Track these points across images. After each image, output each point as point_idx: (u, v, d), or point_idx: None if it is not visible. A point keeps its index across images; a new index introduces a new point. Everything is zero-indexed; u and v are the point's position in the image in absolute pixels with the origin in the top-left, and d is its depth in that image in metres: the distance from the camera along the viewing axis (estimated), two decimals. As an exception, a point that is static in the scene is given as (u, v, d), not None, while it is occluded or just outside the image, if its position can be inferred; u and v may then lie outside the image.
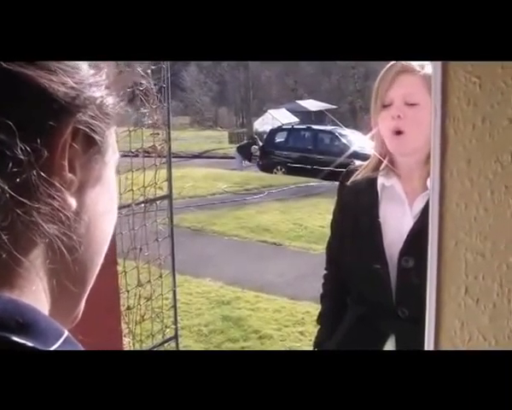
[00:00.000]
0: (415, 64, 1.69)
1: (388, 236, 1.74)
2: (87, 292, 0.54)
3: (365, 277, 1.81)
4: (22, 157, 0.41)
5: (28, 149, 0.41)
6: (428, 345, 0.91)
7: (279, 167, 17.70)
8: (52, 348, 0.42)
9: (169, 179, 3.07)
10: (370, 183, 1.79)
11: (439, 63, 0.86)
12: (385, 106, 1.72)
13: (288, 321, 5.67)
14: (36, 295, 0.45)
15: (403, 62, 1.70)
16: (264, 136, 20.48)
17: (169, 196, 3.08)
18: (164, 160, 3.01)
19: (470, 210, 0.86)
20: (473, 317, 0.87)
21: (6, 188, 0.41)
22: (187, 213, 9.99)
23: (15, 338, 0.40)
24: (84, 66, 0.46)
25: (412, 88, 1.69)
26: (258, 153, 19.13)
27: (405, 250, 1.69)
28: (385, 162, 1.79)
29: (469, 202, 0.86)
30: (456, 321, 0.88)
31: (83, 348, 0.46)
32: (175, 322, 3.34)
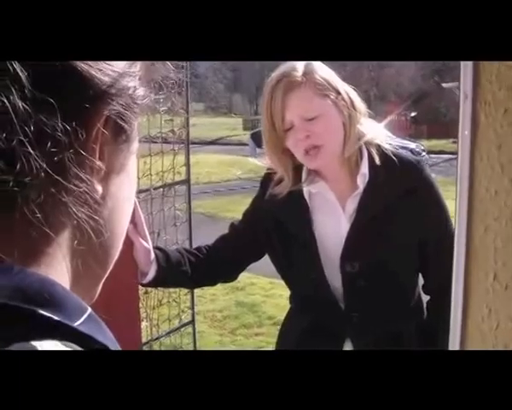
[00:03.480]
0: (298, 76, 1.59)
1: (325, 243, 1.68)
2: (105, 276, 0.55)
3: (304, 286, 1.75)
4: (61, 137, 0.42)
5: (70, 129, 0.42)
6: (455, 331, 0.91)
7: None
8: (76, 324, 0.43)
9: (187, 164, 3.08)
10: (296, 192, 1.70)
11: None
12: (286, 129, 1.61)
13: (303, 308, 5.67)
14: (59, 274, 0.46)
15: (287, 79, 1.58)
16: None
17: (187, 181, 3.09)
18: (182, 145, 3.02)
19: (500, 196, 0.85)
20: (501, 303, 0.86)
21: (44, 166, 0.41)
22: (201, 199, 10.02)
23: (42, 312, 0.41)
24: None
25: (306, 104, 1.59)
26: None
27: (347, 254, 1.64)
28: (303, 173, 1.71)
29: (499, 188, 0.85)
30: (483, 307, 0.88)
31: (105, 326, 0.47)
32: (192, 307, 3.36)
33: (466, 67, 0.88)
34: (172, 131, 2.90)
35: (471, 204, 0.87)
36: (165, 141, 2.93)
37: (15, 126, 0.40)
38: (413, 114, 26.88)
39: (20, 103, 0.40)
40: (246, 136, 23.77)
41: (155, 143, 2.82)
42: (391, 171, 1.62)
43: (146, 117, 0.54)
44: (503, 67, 0.83)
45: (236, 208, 9.83)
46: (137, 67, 0.49)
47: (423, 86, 31.47)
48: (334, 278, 1.68)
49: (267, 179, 1.77)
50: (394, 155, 1.63)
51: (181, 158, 3.12)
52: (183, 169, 3.15)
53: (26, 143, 0.40)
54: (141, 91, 0.49)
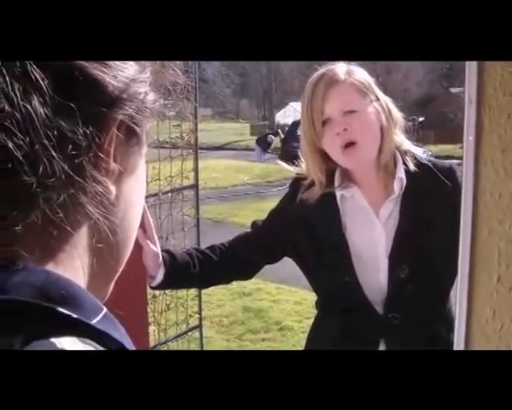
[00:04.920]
0: (340, 73, 1.63)
1: (357, 246, 1.69)
2: (116, 276, 0.57)
3: (335, 290, 1.74)
4: (81, 141, 0.44)
5: (88, 132, 0.45)
6: (459, 333, 0.92)
7: (301, 160, 17.59)
8: (93, 322, 0.45)
9: (195, 169, 3.10)
10: (328, 195, 1.71)
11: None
12: (324, 124, 1.64)
13: (310, 313, 5.65)
14: (75, 272, 0.48)
15: (329, 74, 1.63)
16: (286, 128, 20.45)
17: (195, 186, 3.11)
18: (190, 150, 3.04)
19: (504, 199, 0.86)
20: (505, 305, 0.88)
21: (65, 168, 0.43)
22: (209, 204, 10.03)
23: (62, 309, 0.43)
24: (131, 62, 0.49)
25: (346, 98, 1.62)
26: (277, 143, 19.08)
27: (396, 259, 1.64)
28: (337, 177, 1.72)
29: (503, 191, 0.86)
30: (487, 309, 0.89)
31: (119, 325, 0.48)
32: (199, 311, 3.37)
33: (470, 73, 0.89)
34: (181, 136, 2.93)
35: (475, 207, 0.89)
36: (174, 146, 2.96)
37: (38, 131, 0.42)
38: (420, 119, 26.84)
39: (41, 109, 0.42)
40: (253, 141, 23.79)
41: (164, 148, 2.85)
42: (428, 176, 1.64)
43: (155, 123, 0.56)
44: (507, 73, 0.84)
45: (243, 213, 9.83)
46: (147, 73, 0.51)
47: (431, 91, 31.42)
48: (368, 281, 1.68)
49: (297, 183, 1.78)
50: (429, 162, 1.67)
51: (189, 163, 3.14)
52: (192, 174, 3.17)
53: (49, 147, 0.42)
54: (151, 96, 0.52)
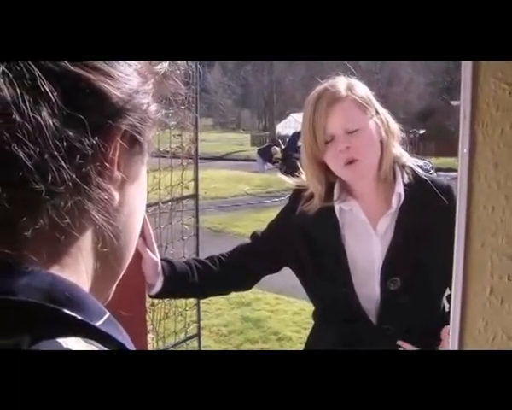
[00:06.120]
0: (342, 89, 1.65)
1: (355, 258, 1.71)
2: (118, 280, 0.59)
3: (332, 301, 1.77)
4: (88, 150, 0.46)
5: (94, 142, 0.47)
6: (453, 344, 0.94)
7: (301, 171, 17.56)
8: (97, 324, 0.46)
9: (195, 179, 3.12)
10: (327, 207, 1.73)
11: (469, 69, 0.89)
12: (326, 141, 1.66)
13: (308, 324, 5.63)
14: (79, 275, 0.50)
15: (331, 91, 1.64)
16: (287, 139, 20.44)
17: (195, 196, 3.13)
18: (190, 160, 3.06)
19: (497, 213, 0.88)
20: (497, 316, 0.89)
21: (73, 176, 0.45)
22: (208, 213, 10.04)
23: (67, 311, 0.44)
24: (134, 74, 0.52)
25: (349, 115, 1.64)
26: (278, 154, 19.07)
27: (388, 272, 1.67)
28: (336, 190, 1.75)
29: (496, 205, 0.88)
30: (480, 320, 0.91)
31: (122, 328, 0.50)
32: (198, 320, 3.38)
33: (465, 89, 0.91)
34: (181, 146, 2.95)
35: (469, 220, 0.90)
36: (174, 156, 2.99)
37: (47, 141, 0.44)
38: (421, 132, 26.86)
39: (50, 120, 0.44)
40: (254, 151, 23.78)
41: (165, 157, 2.87)
42: (426, 192, 1.67)
43: (156, 132, 0.58)
44: (501, 89, 0.86)
45: (243, 223, 9.83)
46: (150, 85, 0.53)
47: (432, 104, 31.46)
48: (364, 292, 1.71)
49: (297, 195, 1.80)
50: (427, 177, 1.69)
51: (189, 173, 3.16)
52: (192, 184, 3.20)
53: (58, 157, 0.44)
54: (153, 107, 0.54)
